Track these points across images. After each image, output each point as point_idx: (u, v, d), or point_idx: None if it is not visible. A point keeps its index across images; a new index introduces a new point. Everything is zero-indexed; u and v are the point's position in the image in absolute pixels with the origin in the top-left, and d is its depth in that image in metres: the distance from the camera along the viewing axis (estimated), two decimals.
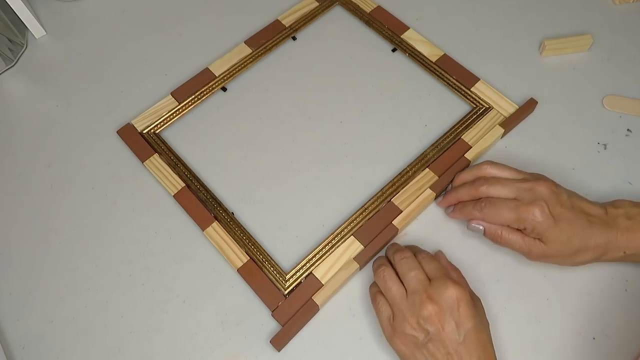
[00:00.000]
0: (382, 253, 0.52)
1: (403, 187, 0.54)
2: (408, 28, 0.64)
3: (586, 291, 0.50)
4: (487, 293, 0.50)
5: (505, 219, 0.47)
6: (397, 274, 0.46)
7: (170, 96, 0.61)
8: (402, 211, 0.53)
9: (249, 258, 0.52)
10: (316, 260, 0.51)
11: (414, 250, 0.48)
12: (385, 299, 0.45)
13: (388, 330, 0.45)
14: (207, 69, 0.63)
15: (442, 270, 0.45)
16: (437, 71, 0.61)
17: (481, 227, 0.49)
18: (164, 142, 0.59)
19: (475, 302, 0.45)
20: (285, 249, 0.53)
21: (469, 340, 0.42)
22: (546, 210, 0.45)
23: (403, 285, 0.45)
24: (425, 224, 0.54)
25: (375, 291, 0.47)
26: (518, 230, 0.47)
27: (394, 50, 0.64)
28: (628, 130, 0.58)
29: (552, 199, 0.46)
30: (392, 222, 0.52)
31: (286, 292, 0.50)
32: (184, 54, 0.65)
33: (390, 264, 0.47)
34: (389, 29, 0.64)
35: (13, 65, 0.66)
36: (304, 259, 0.52)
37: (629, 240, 0.45)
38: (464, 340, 0.41)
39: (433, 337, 0.42)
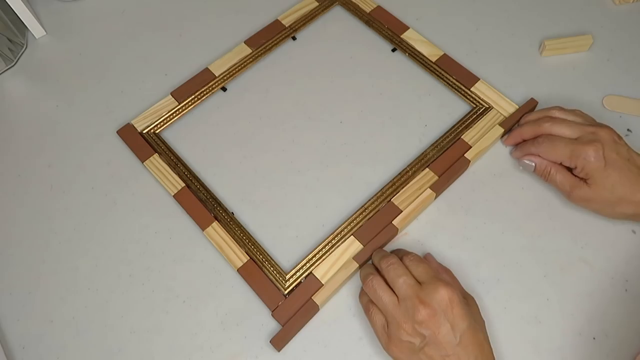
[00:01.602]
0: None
1: (403, 187, 0.54)
2: (408, 28, 0.64)
3: (586, 291, 0.50)
4: (487, 293, 0.50)
5: (559, 155, 0.49)
6: (385, 281, 0.45)
7: (170, 96, 0.61)
8: (402, 211, 0.53)
9: (249, 258, 0.52)
10: (316, 260, 0.51)
11: (401, 254, 0.47)
12: (377, 308, 0.45)
13: (384, 339, 0.44)
14: (207, 69, 0.63)
15: (431, 272, 0.45)
16: (437, 71, 0.61)
17: (532, 163, 0.52)
18: (164, 142, 0.59)
19: (468, 301, 0.45)
20: (285, 249, 0.53)
21: (466, 341, 0.42)
22: (600, 152, 0.47)
23: (394, 292, 0.44)
24: (425, 224, 0.54)
25: (367, 301, 0.46)
26: (568, 169, 0.50)
27: (393, 50, 0.64)
28: (628, 130, 0.58)
29: (610, 144, 0.48)
30: (392, 222, 0.52)
31: (286, 292, 0.50)
32: (184, 54, 0.65)
33: (378, 271, 0.47)
34: (388, 29, 0.64)
35: (13, 65, 0.66)
36: (304, 259, 0.52)
37: None
38: (460, 341, 0.41)
39: (429, 341, 0.42)
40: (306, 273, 0.51)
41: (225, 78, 0.62)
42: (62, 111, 0.63)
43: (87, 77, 0.65)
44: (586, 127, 0.50)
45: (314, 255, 0.52)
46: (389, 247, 0.52)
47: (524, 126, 0.54)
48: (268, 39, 0.64)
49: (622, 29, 0.64)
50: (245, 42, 0.64)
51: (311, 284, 0.50)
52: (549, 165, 0.51)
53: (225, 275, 0.52)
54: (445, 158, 0.55)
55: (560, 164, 0.51)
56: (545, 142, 0.51)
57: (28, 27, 0.67)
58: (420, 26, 0.64)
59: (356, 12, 0.66)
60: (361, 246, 0.51)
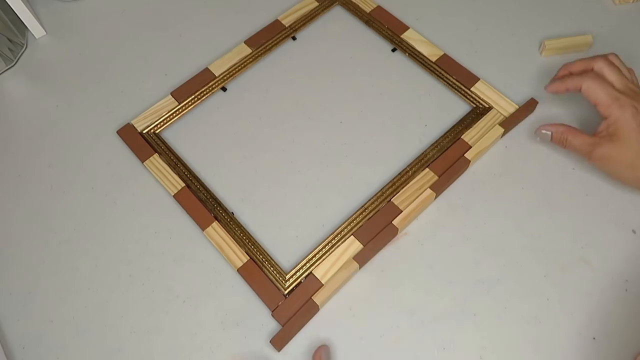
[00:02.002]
0: (382, 253, 0.52)
1: (403, 187, 0.54)
2: (408, 28, 0.64)
3: (586, 291, 0.50)
4: (487, 293, 0.50)
5: (603, 95, 0.49)
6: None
7: (170, 96, 0.61)
8: (402, 211, 0.53)
9: (249, 258, 0.52)
10: (316, 260, 0.51)
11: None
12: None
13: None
14: (207, 69, 0.63)
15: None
16: (437, 71, 0.61)
17: (549, 133, 0.53)
18: (163, 142, 0.59)
19: None
20: (285, 249, 0.53)
21: None
22: (638, 116, 0.48)
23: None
24: (425, 224, 0.54)
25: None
26: (583, 133, 0.51)
27: (393, 50, 0.64)
28: None
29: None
30: (392, 222, 0.52)
31: (286, 292, 0.50)
32: (184, 54, 0.65)
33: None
34: (388, 28, 0.64)
35: (13, 65, 0.66)
36: (304, 259, 0.52)
37: None
38: None
39: None
40: (306, 273, 0.51)
41: (225, 78, 0.62)
42: (62, 111, 0.63)
43: (87, 77, 0.65)
44: (633, 86, 0.51)
45: (314, 255, 0.52)
46: (388, 247, 0.52)
47: (575, 61, 0.54)
48: (268, 39, 0.64)
49: (622, 29, 0.64)
50: (245, 42, 0.64)
51: (311, 284, 0.50)
52: (565, 132, 0.52)
53: (225, 275, 0.52)
54: (445, 158, 0.55)
55: (574, 129, 0.52)
56: (593, 77, 0.50)
57: (28, 27, 0.67)
58: (420, 26, 0.64)
59: (356, 12, 0.66)
60: (361, 246, 0.51)
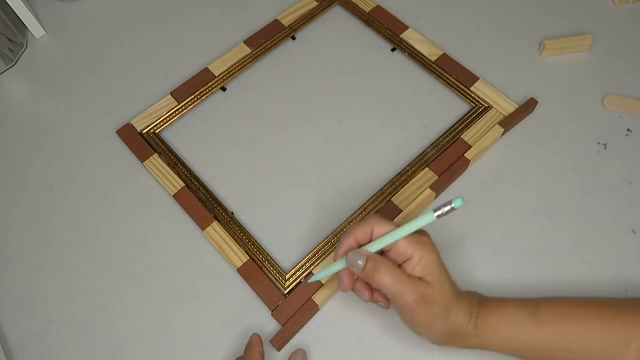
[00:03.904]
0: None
1: (403, 187, 0.54)
2: (407, 28, 0.64)
3: (586, 291, 0.50)
4: (487, 293, 0.49)
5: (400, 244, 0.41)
6: None
7: (170, 96, 0.61)
8: (402, 211, 0.53)
9: (249, 258, 0.52)
10: (316, 260, 0.51)
11: None
12: None
13: None
14: (206, 69, 0.63)
15: None
16: (437, 71, 0.61)
17: (361, 264, 0.41)
18: (163, 142, 0.59)
19: None
20: (285, 249, 0.53)
21: None
22: (435, 247, 0.41)
23: None
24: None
25: None
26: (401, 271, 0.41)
27: (393, 50, 0.64)
28: (628, 130, 0.58)
29: (435, 247, 0.42)
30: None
31: (286, 292, 0.50)
32: (184, 54, 0.65)
33: None
34: (388, 28, 0.64)
35: (13, 65, 0.66)
36: (304, 259, 0.52)
37: (479, 314, 0.42)
38: None
39: None
40: (306, 273, 0.51)
41: (225, 78, 0.62)
42: (62, 111, 0.63)
43: (87, 77, 0.65)
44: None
45: (314, 255, 0.52)
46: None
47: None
48: (268, 39, 0.64)
49: (622, 29, 0.64)
50: (245, 42, 0.64)
51: (311, 283, 0.50)
52: (381, 263, 0.40)
53: (225, 275, 0.52)
54: (445, 158, 0.55)
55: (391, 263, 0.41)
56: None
57: (28, 27, 0.67)
58: (420, 26, 0.64)
59: (356, 12, 0.66)
60: None
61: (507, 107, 0.58)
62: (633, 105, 0.59)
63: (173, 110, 0.60)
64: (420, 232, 0.41)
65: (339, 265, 0.43)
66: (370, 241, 0.42)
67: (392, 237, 0.40)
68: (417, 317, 0.41)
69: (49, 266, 0.54)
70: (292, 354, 0.47)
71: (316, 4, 0.67)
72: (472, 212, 0.54)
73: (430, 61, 0.62)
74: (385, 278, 0.40)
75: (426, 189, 0.54)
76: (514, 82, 0.61)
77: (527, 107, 0.58)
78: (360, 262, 0.41)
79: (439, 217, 0.38)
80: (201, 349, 0.49)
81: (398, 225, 0.41)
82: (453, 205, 0.37)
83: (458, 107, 0.60)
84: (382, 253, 0.41)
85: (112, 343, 0.50)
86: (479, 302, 0.42)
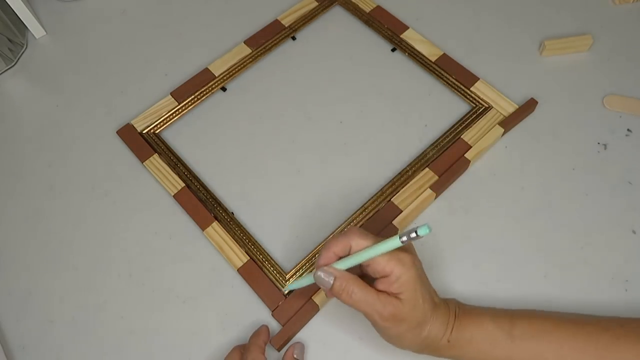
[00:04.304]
0: None
1: (403, 187, 0.54)
2: (407, 28, 0.64)
3: (586, 291, 0.50)
4: (488, 295, 0.50)
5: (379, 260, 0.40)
6: None
7: (170, 96, 0.61)
8: (402, 211, 0.53)
9: (249, 258, 0.52)
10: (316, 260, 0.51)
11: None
12: None
13: None
14: (206, 69, 0.63)
15: None
16: (437, 71, 0.61)
17: (330, 281, 0.41)
18: (163, 142, 0.59)
19: None
20: (285, 249, 0.53)
21: None
22: (415, 260, 0.41)
23: None
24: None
25: None
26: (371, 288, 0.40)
27: (393, 50, 0.64)
28: (628, 130, 0.58)
29: (416, 256, 0.41)
30: (392, 222, 0.52)
31: (286, 292, 0.50)
32: (184, 54, 0.65)
33: None
34: (388, 28, 0.64)
35: (13, 65, 0.66)
36: (304, 259, 0.52)
37: (455, 325, 0.41)
38: None
39: None
40: (306, 273, 0.51)
41: (225, 78, 0.62)
42: (62, 111, 0.63)
43: (87, 77, 0.65)
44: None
45: (314, 255, 0.51)
46: None
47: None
48: (268, 39, 0.64)
49: (622, 29, 0.64)
50: (245, 42, 0.64)
51: (311, 284, 0.50)
52: (351, 283, 0.40)
53: (225, 275, 0.52)
54: (445, 158, 0.55)
55: (360, 281, 0.40)
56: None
57: (28, 27, 0.67)
58: (420, 26, 0.64)
59: (356, 12, 0.66)
60: None
61: (507, 107, 0.58)
62: (633, 105, 0.59)
63: (173, 110, 0.60)
64: (403, 248, 0.40)
65: (310, 279, 0.43)
66: (349, 254, 0.41)
67: (366, 254, 0.40)
68: (387, 332, 0.41)
69: (49, 266, 0.54)
70: (290, 347, 0.47)
71: (316, 4, 0.67)
72: (472, 212, 0.54)
73: (430, 61, 0.62)
74: (354, 297, 0.40)
75: (426, 189, 0.54)
76: (514, 82, 0.61)
77: (527, 107, 0.58)
78: (329, 280, 0.41)
79: (403, 242, 0.38)
80: (201, 349, 0.49)
81: (377, 240, 0.40)
82: (418, 233, 0.37)
83: (458, 107, 0.60)
84: (360, 266, 0.41)
85: (112, 343, 0.50)
86: (457, 313, 0.42)
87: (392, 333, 0.41)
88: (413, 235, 0.38)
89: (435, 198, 0.54)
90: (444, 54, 0.62)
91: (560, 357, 0.40)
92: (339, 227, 0.53)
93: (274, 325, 0.49)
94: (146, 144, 0.59)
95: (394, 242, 0.38)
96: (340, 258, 0.42)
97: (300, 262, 0.51)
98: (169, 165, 0.57)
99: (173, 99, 0.61)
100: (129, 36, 0.68)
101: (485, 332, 0.41)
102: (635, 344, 0.39)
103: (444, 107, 0.60)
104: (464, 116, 0.59)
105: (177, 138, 0.60)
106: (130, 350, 0.49)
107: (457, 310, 0.43)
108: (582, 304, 0.49)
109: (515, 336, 0.41)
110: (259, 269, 0.51)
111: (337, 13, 0.67)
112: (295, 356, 0.47)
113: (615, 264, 0.51)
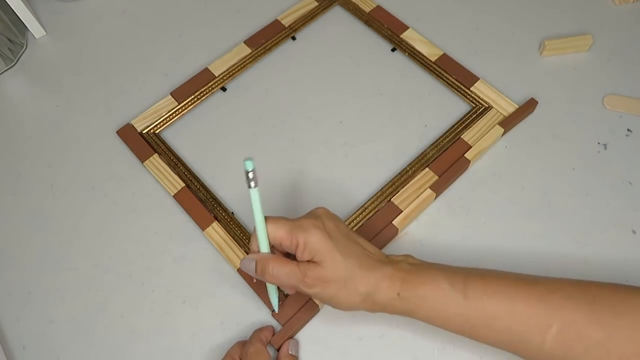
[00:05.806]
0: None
1: (403, 187, 0.54)
2: (407, 28, 0.64)
3: None
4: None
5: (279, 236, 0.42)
6: None
7: (170, 96, 0.61)
8: (402, 211, 0.53)
9: None
10: None
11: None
12: None
13: None
14: (206, 69, 0.63)
15: None
16: (437, 71, 0.61)
17: (253, 261, 0.43)
18: (163, 142, 0.59)
19: None
20: None
21: None
22: (321, 225, 0.42)
23: None
24: (425, 224, 0.54)
25: None
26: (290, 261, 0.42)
27: (393, 50, 0.64)
28: (628, 130, 0.58)
29: (327, 216, 0.43)
30: (392, 222, 0.52)
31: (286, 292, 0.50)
32: (183, 54, 0.65)
33: None
34: (388, 28, 0.64)
35: (13, 65, 0.66)
36: None
37: (406, 281, 0.41)
38: None
39: None
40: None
41: (225, 78, 0.62)
42: (62, 111, 0.63)
43: (87, 77, 0.65)
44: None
45: None
46: (388, 247, 0.52)
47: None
48: (268, 39, 0.64)
49: (622, 29, 0.64)
50: (245, 42, 0.64)
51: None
52: (270, 260, 0.42)
53: (225, 275, 0.52)
54: (445, 158, 0.55)
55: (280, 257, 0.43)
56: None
57: (28, 27, 0.67)
58: (420, 26, 0.64)
59: (356, 12, 0.66)
60: None
61: (507, 107, 0.58)
62: (633, 105, 0.59)
63: (173, 110, 0.60)
64: (308, 215, 0.42)
65: (272, 287, 0.47)
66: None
67: (258, 225, 0.42)
68: (321, 297, 0.42)
69: (49, 266, 0.54)
70: (284, 343, 0.47)
71: (316, 4, 0.67)
72: (472, 212, 0.54)
73: (430, 61, 0.62)
74: (275, 273, 0.42)
75: (426, 189, 0.54)
76: (514, 82, 0.61)
77: (527, 107, 0.58)
78: (252, 265, 0.43)
79: (251, 187, 0.40)
80: (201, 349, 0.49)
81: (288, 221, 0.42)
82: (246, 168, 0.39)
83: (458, 107, 0.60)
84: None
85: (112, 343, 0.50)
86: (409, 270, 0.42)
87: (326, 297, 0.42)
88: (250, 176, 0.40)
89: (435, 198, 0.54)
90: (444, 54, 0.62)
91: (512, 315, 0.39)
92: None
93: (274, 325, 0.49)
94: (146, 144, 0.59)
95: (251, 193, 0.40)
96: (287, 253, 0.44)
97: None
98: (169, 165, 0.57)
99: (173, 99, 0.61)
100: (128, 36, 0.68)
101: (439, 290, 0.41)
102: (584, 304, 0.39)
103: (444, 107, 0.60)
104: (464, 116, 0.59)
105: (177, 138, 0.60)
106: (130, 350, 0.49)
107: (410, 266, 0.42)
108: None
109: (469, 295, 0.40)
110: None
111: (337, 13, 0.67)
112: (290, 352, 0.47)
113: (615, 264, 0.51)
